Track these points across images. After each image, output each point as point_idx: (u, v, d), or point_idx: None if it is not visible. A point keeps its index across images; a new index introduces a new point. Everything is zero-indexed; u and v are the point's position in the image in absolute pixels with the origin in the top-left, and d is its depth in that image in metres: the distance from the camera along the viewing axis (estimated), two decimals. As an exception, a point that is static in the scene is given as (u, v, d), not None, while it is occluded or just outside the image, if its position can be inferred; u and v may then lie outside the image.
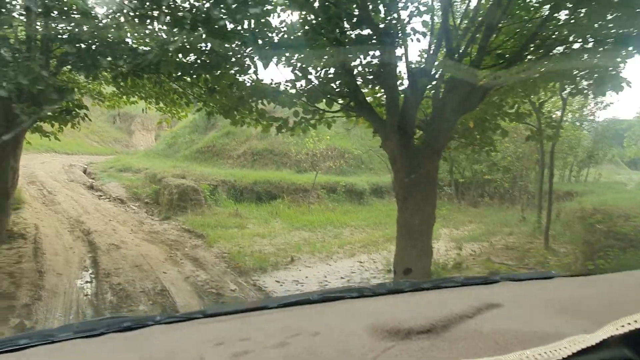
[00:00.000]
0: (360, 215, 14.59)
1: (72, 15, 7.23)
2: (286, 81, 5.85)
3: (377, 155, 24.66)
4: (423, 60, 5.72)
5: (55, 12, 6.95)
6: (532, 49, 5.27)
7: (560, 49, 5.42)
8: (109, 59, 7.05)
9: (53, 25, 7.37)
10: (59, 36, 7.18)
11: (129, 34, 7.26)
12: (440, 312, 0.89)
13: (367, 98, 5.82)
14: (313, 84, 5.72)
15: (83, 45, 6.84)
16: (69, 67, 7.43)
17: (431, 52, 5.40)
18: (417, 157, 5.07)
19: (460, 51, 5.27)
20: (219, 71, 5.67)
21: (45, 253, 7.79)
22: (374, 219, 13.91)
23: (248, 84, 5.95)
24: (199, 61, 6.01)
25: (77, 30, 6.90)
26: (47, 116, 7.55)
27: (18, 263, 6.98)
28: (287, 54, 5.31)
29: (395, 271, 5.32)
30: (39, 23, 7.18)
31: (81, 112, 8.34)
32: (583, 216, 9.16)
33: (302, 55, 5.34)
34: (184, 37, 6.05)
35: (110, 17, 7.00)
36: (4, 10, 6.17)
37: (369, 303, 1.30)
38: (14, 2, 7.03)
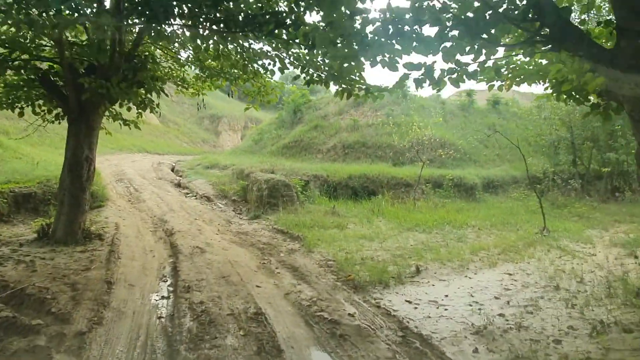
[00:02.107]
0: (477, 213, 12.14)
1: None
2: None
3: (484, 145, 21.88)
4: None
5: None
6: None
7: None
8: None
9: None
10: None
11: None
12: None
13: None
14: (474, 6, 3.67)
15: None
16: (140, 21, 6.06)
17: None
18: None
19: None
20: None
21: (121, 257, 6.53)
22: (496, 218, 11.39)
23: (374, 17, 4.01)
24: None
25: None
26: (120, 92, 6.24)
27: (86, 270, 5.71)
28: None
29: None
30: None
31: (157, 85, 6.94)
32: None
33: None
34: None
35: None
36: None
37: None
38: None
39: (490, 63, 4.24)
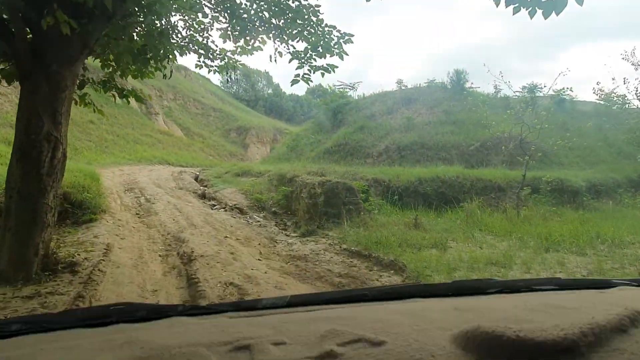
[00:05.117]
0: (614, 223, 8.66)
1: None
2: None
3: (567, 148, 18.40)
4: None
5: None
6: None
7: None
8: None
9: None
10: None
11: None
12: (570, 320, 0.62)
13: None
14: None
15: None
16: None
17: None
18: None
19: None
20: None
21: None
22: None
23: None
24: None
25: None
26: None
27: None
28: None
29: None
30: None
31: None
32: None
33: None
34: None
35: None
36: None
37: (437, 304, 0.97)
38: None
39: None
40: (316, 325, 0.74)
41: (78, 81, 5.33)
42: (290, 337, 0.69)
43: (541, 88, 23.54)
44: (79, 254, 4.92)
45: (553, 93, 25.68)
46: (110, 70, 5.86)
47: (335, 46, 6.44)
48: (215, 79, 52.38)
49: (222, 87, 49.94)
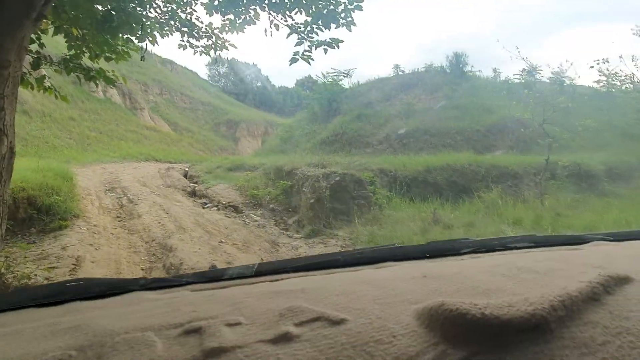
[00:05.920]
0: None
1: None
2: None
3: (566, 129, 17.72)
4: None
5: None
6: None
7: None
8: None
9: None
10: None
11: None
12: (540, 290, 0.58)
13: None
14: None
15: None
16: None
17: None
18: None
19: None
20: None
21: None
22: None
23: None
24: None
25: None
26: None
27: None
28: None
29: None
30: None
31: None
32: None
33: None
34: None
35: None
36: None
37: (408, 269, 0.87)
38: None
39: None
40: (278, 300, 0.67)
41: (31, 59, 4.34)
42: (248, 315, 0.62)
43: (541, 70, 22.81)
44: (36, 274, 3.94)
45: (552, 75, 24.94)
46: (78, 51, 4.88)
47: (342, 14, 5.49)
48: (203, 72, 51.10)
49: (210, 81, 48.76)
